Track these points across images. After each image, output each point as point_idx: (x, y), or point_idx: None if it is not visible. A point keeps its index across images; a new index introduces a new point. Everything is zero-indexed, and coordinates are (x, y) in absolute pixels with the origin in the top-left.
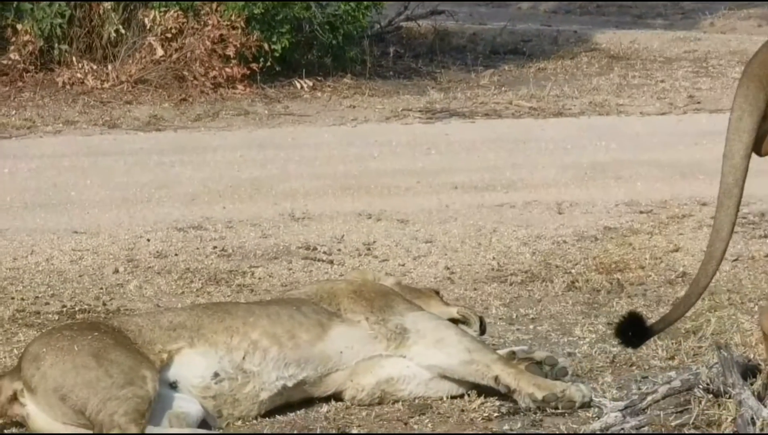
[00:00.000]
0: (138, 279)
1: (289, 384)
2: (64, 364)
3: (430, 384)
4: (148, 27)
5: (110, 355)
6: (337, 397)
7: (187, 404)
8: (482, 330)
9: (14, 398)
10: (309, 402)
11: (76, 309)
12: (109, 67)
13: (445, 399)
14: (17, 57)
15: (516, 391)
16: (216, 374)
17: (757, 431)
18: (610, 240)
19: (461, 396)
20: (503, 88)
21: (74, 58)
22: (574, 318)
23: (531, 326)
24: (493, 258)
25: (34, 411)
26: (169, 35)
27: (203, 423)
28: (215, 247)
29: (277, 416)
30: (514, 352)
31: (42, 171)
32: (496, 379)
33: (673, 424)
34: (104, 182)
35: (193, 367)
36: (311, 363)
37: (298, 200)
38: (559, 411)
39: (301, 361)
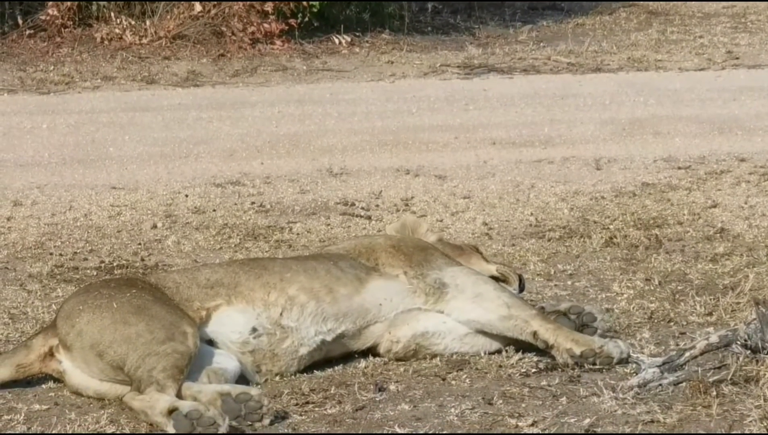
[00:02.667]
0: (176, 234)
1: (328, 338)
2: (101, 320)
3: (466, 339)
4: None
5: (151, 311)
6: (373, 351)
7: (224, 360)
8: (521, 288)
9: (50, 354)
10: (347, 358)
11: (114, 265)
12: (147, 22)
13: (482, 355)
14: (55, 12)
15: (554, 346)
16: (254, 329)
17: None
18: (648, 196)
19: (498, 352)
20: (541, 44)
21: (112, 14)
22: (612, 274)
23: (569, 282)
24: (531, 214)
25: (70, 368)
26: None
27: (241, 379)
28: (253, 203)
29: (316, 372)
30: (543, 308)
31: (80, 126)
32: (535, 334)
33: (710, 380)
34: (142, 138)
35: (232, 324)
36: (350, 316)
37: (336, 156)
38: (597, 367)
39: (339, 314)
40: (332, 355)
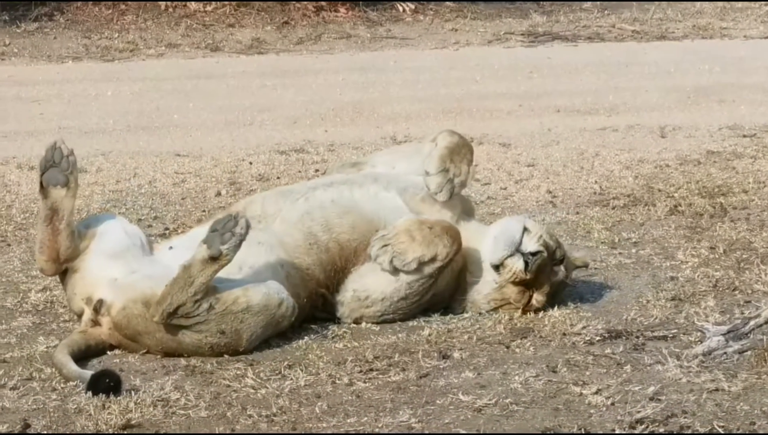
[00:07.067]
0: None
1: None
2: None
3: None
4: None
5: None
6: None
7: None
8: None
9: (93, 321)
10: (411, 327)
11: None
12: None
13: (547, 323)
14: None
15: None
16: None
17: None
18: (713, 164)
19: (563, 320)
20: (606, 12)
21: None
22: (676, 242)
23: (633, 250)
24: (596, 182)
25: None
26: None
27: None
28: (317, 170)
29: (379, 339)
30: None
31: (144, 94)
32: None
33: None
34: (206, 105)
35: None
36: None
37: (400, 123)
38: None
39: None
40: (332, 224)
